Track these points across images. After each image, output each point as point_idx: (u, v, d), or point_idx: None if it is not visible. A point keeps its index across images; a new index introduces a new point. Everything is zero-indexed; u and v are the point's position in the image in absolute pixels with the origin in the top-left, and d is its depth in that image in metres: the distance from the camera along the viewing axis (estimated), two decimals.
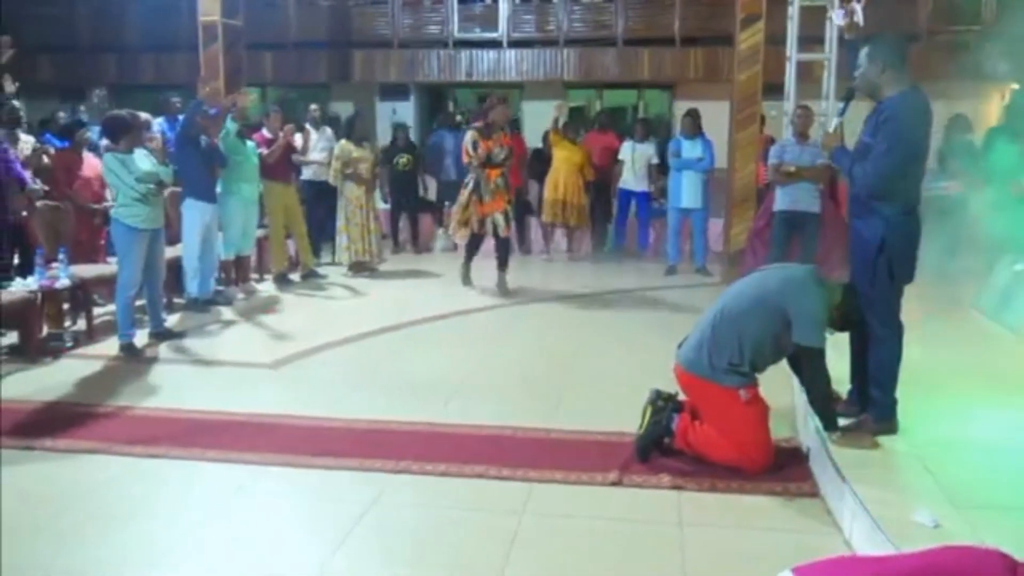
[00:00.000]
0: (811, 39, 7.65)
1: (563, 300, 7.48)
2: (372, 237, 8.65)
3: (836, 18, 3.85)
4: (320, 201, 9.09)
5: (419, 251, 10.31)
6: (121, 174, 5.46)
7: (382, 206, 10.79)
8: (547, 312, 7.08)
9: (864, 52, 3.60)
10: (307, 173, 9.09)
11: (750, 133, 7.88)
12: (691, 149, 8.45)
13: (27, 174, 6.28)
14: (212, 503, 3.41)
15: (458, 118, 10.91)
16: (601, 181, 9.69)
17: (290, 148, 8.11)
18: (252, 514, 3.33)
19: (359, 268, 8.63)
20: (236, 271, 7.80)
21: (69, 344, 5.81)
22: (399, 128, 10.54)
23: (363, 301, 7.54)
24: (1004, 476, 3.18)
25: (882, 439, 3.58)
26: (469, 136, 7.52)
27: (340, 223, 8.59)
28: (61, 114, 8.04)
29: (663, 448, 3.81)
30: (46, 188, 6.39)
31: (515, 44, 12.19)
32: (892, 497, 3.05)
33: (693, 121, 8.59)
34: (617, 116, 12.73)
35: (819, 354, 3.52)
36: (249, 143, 7.50)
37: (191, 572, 2.88)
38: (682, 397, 3.85)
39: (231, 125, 7.27)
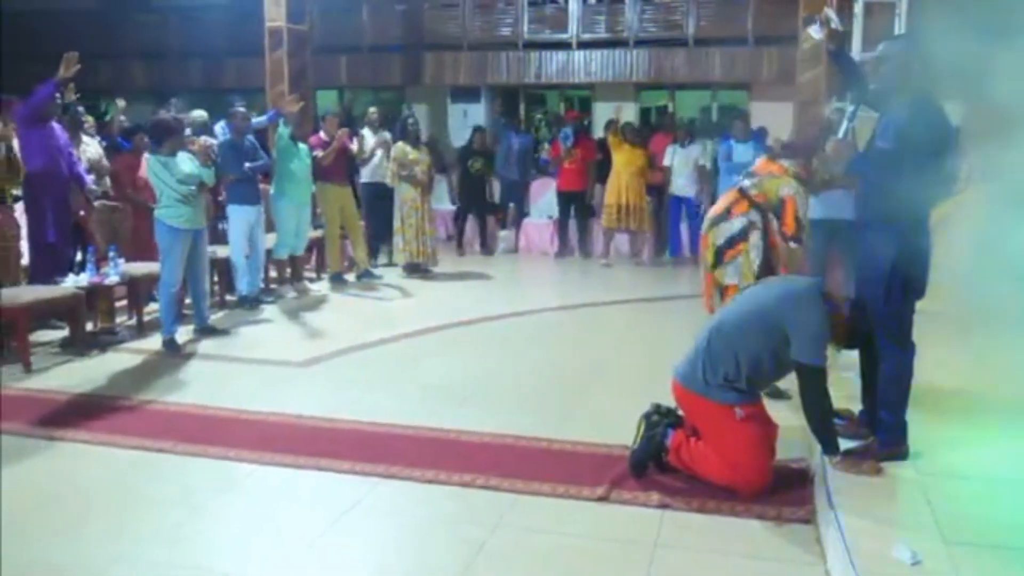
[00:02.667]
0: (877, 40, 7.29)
1: (607, 305, 7.36)
2: (427, 239, 8.71)
3: (814, 32, 3.62)
4: (379, 203, 9.23)
5: (487, 253, 10.35)
6: (163, 176, 5.65)
7: (449, 207, 10.94)
8: (588, 318, 6.98)
9: (885, 55, 3.40)
10: (365, 175, 9.24)
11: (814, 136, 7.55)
12: (743, 152, 8.18)
13: (88, 175, 6.57)
14: (198, 498, 3.48)
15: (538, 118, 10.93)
16: (664, 184, 9.51)
17: (345, 151, 8.26)
18: (230, 511, 3.38)
19: (413, 269, 8.72)
20: (290, 270, 8.00)
21: (119, 339, 6.07)
22: (477, 131, 10.59)
23: (409, 302, 7.61)
24: (1005, 513, 2.92)
25: (888, 465, 3.36)
26: None
27: (396, 224, 8.69)
28: (123, 117, 8.39)
29: (661, 464, 3.68)
30: (103, 189, 6.68)
31: (584, 45, 12.09)
32: (878, 528, 2.85)
33: (744, 124, 8.31)
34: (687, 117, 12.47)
35: (817, 373, 3.33)
36: (302, 146, 7.68)
37: (166, 562, 2.94)
38: (682, 412, 3.71)
39: (284, 129, 7.46)
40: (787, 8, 10.59)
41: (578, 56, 12.14)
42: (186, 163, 5.85)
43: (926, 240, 3.32)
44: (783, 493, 3.46)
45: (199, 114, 8.13)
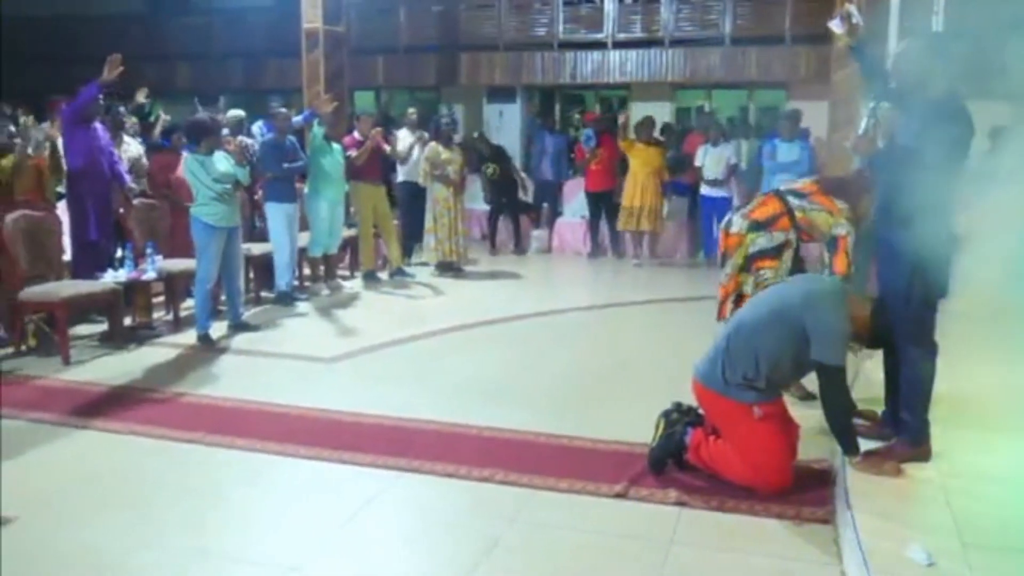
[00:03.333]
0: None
1: (636, 305, 7.34)
2: (459, 238, 8.78)
3: (835, 26, 3.56)
4: (414, 202, 9.31)
5: (520, 252, 10.39)
6: (199, 174, 5.78)
7: (484, 207, 11.00)
8: (616, 317, 6.98)
9: (907, 51, 3.37)
10: (401, 175, 9.32)
11: (845, 135, 7.47)
12: (788, 152, 8.10)
13: (128, 174, 6.74)
14: (224, 487, 3.56)
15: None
16: (696, 184, 9.45)
17: (379, 150, 8.35)
18: (255, 501, 3.45)
19: (446, 268, 8.78)
20: (323, 268, 8.12)
21: (156, 333, 6.22)
22: (479, 139, 10.73)
23: (439, 301, 7.67)
24: None
25: (910, 466, 3.32)
26: None
27: (428, 224, 8.77)
28: (165, 116, 8.58)
29: (681, 463, 3.68)
30: (142, 188, 6.84)
31: (620, 45, 12.06)
32: (894, 529, 2.82)
33: (792, 123, 8.22)
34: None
35: (837, 373, 3.30)
36: (335, 145, 7.78)
37: (191, 549, 3.03)
38: (702, 411, 3.70)
39: (318, 129, 7.57)
40: (823, 6, 10.45)
41: (613, 56, 12.12)
42: (222, 162, 5.97)
43: (949, 240, 3.27)
44: (803, 493, 3.43)
45: (236, 113, 8.28)
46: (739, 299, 4.49)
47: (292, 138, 7.37)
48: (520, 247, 10.55)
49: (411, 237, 9.32)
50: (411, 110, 9.54)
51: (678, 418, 3.67)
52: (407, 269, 8.74)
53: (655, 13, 11.93)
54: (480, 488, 3.58)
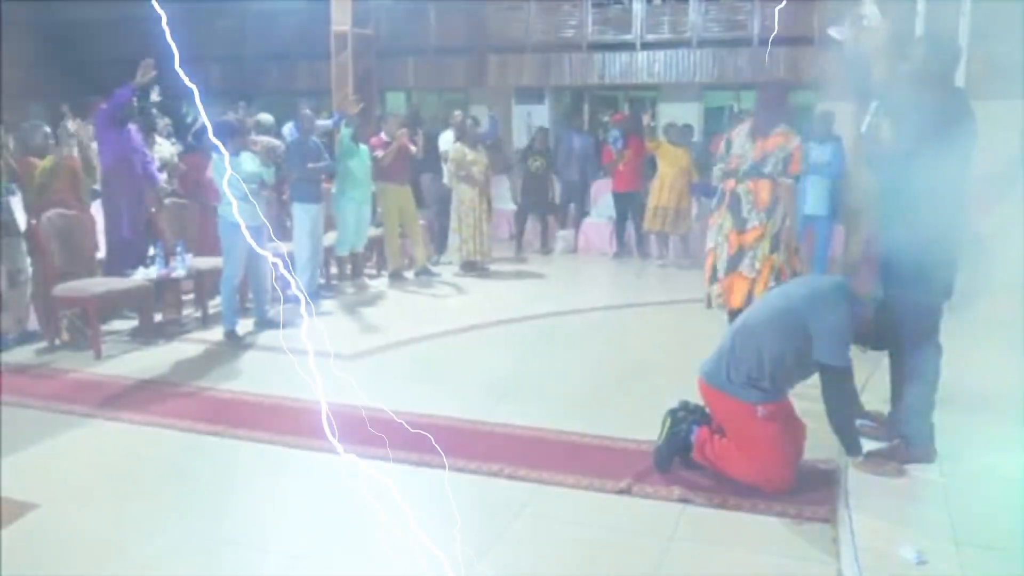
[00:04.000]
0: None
1: (657, 306, 7.36)
2: (484, 238, 8.87)
3: (837, 33, 3.55)
4: (440, 202, 9.44)
5: (547, 252, 10.47)
6: (226, 174, 5.93)
7: (512, 207, 11.09)
8: (636, 317, 7.01)
9: (914, 51, 3.39)
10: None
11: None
12: (820, 154, 8.05)
13: (160, 174, 6.93)
14: (242, 477, 3.69)
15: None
16: None
17: (405, 151, 8.47)
18: (270, 490, 3.57)
19: (470, 267, 8.88)
20: (350, 267, 8.26)
21: (185, 329, 6.39)
22: (540, 131, 10.76)
23: (462, 300, 7.77)
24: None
25: (913, 467, 3.35)
26: None
27: (453, 224, 8.88)
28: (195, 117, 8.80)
29: (688, 461, 3.73)
30: (173, 187, 7.03)
31: (648, 46, 12.07)
32: (889, 528, 2.86)
33: (825, 125, 8.18)
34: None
35: (840, 373, 3.33)
36: (362, 146, 7.91)
37: (209, 536, 3.15)
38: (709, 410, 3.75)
39: (345, 130, 7.72)
40: (853, 7, 10.40)
41: (641, 57, 12.13)
42: (249, 162, 6.13)
43: (953, 242, 3.28)
44: (807, 492, 3.47)
45: (266, 117, 8.45)
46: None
47: (316, 139, 7.51)
48: (546, 247, 10.62)
49: (437, 237, 9.47)
50: (457, 112, 9.55)
51: (684, 416, 3.72)
52: (432, 268, 8.85)
53: (683, 14, 11.92)
54: (489, 482, 3.67)
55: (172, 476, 3.74)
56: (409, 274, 8.71)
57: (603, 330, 6.64)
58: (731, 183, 4.90)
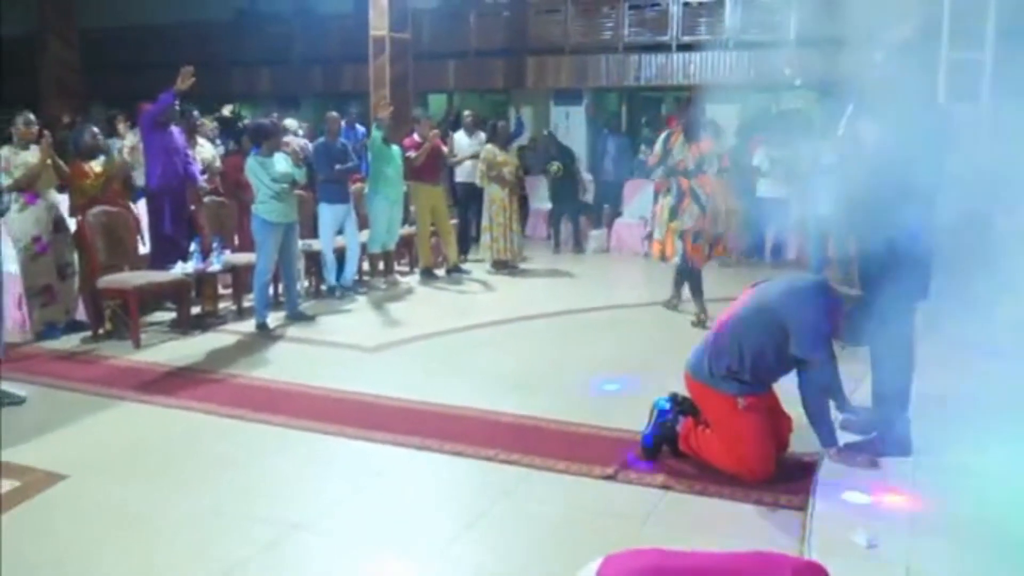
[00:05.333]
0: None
1: (681, 304, 7.47)
2: (514, 236, 9.09)
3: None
4: (470, 202, 9.70)
5: (578, 251, 10.64)
6: (259, 174, 6.26)
7: (548, 206, 11.29)
8: (657, 315, 7.12)
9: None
10: (460, 176, 9.69)
11: None
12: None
13: (201, 174, 7.30)
14: (249, 457, 3.96)
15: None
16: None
17: (437, 152, 8.73)
18: (273, 470, 3.83)
19: (501, 266, 9.10)
20: (382, 264, 8.55)
21: (221, 321, 6.73)
22: (548, 137, 11.02)
23: (489, 296, 8.00)
24: (987, 509, 2.97)
25: (889, 460, 3.45)
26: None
27: (484, 223, 9.12)
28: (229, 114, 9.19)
29: (677, 451, 3.88)
30: (213, 186, 7.40)
31: (684, 48, 12.14)
32: (850, 515, 2.99)
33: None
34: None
35: (816, 367, 3.46)
36: (394, 147, 8.20)
37: (234, 513, 3.43)
38: None
39: (377, 133, 8.01)
40: (889, 5, 10.33)
41: (678, 58, 12.20)
42: (281, 163, 6.44)
43: (926, 242, 3.38)
44: (786, 482, 3.59)
45: (290, 121, 8.80)
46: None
47: (343, 141, 7.81)
48: (579, 247, 10.79)
49: (467, 236, 9.72)
50: (467, 113, 9.84)
51: (671, 407, 3.88)
52: (463, 266, 9.09)
53: (720, 16, 11.96)
54: (483, 465, 3.88)
55: (192, 454, 4.03)
56: (441, 272, 8.96)
57: (620, 326, 6.78)
58: (685, 181, 6.41)
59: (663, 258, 6.77)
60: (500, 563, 3.03)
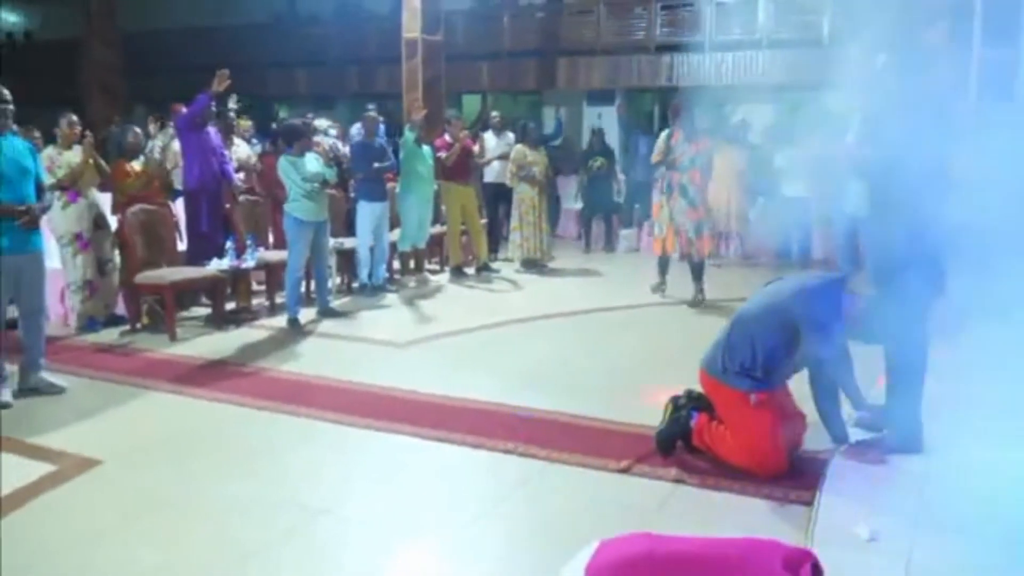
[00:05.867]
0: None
1: (699, 305, 7.51)
2: (543, 236, 9.19)
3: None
4: (500, 201, 9.81)
5: (609, 250, 10.71)
6: (291, 174, 6.43)
7: (579, 206, 11.37)
8: (681, 315, 7.17)
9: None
10: (488, 176, 9.80)
11: None
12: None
13: (237, 174, 7.50)
14: (275, 447, 4.11)
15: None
16: None
17: (467, 152, 8.86)
18: (299, 460, 3.97)
19: (529, 265, 9.20)
20: (413, 262, 8.70)
21: (254, 317, 6.92)
22: (597, 132, 11.07)
23: (517, 294, 8.10)
24: (993, 506, 3.00)
25: (898, 457, 3.48)
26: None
27: (514, 222, 9.23)
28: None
29: (691, 446, 3.94)
30: (248, 185, 7.60)
31: (716, 48, 12.13)
32: (854, 509, 3.04)
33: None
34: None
35: (828, 364, 3.50)
36: (425, 148, 8.34)
37: (262, 498, 3.57)
38: None
39: (409, 134, 8.16)
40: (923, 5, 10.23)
41: (711, 59, 12.19)
42: (312, 163, 6.61)
43: (939, 238, 3.41)
44: (797, 478, 3.63)
45: (321, 122, 8.98)
46: None
47: (381, 140, 7.97)
48: (610, 245, 10.85)
49: (496, 235, 9.84)
50: (494, 114, 9.95)
51: (685, 403, 3.94)
52: (492, 265, 9.20)
53: (753, 16, 11.93)
54: (502, 458, 3.97)
55: (220, 443, 4.19)
56: (470, 270, 9.08)
57: (644, 324, 6.84)
58: (676, 175, 7.02)
59: (664, 253, 7.39)
60: (513, 549, 3.13)
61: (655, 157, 7.27)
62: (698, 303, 7.14)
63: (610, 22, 12.91)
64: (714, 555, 2.04)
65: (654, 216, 7.50)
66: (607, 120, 13.28)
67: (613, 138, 12.90)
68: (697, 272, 7.29)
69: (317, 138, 7.58)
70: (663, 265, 7.57)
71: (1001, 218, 3.98)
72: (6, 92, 4.68)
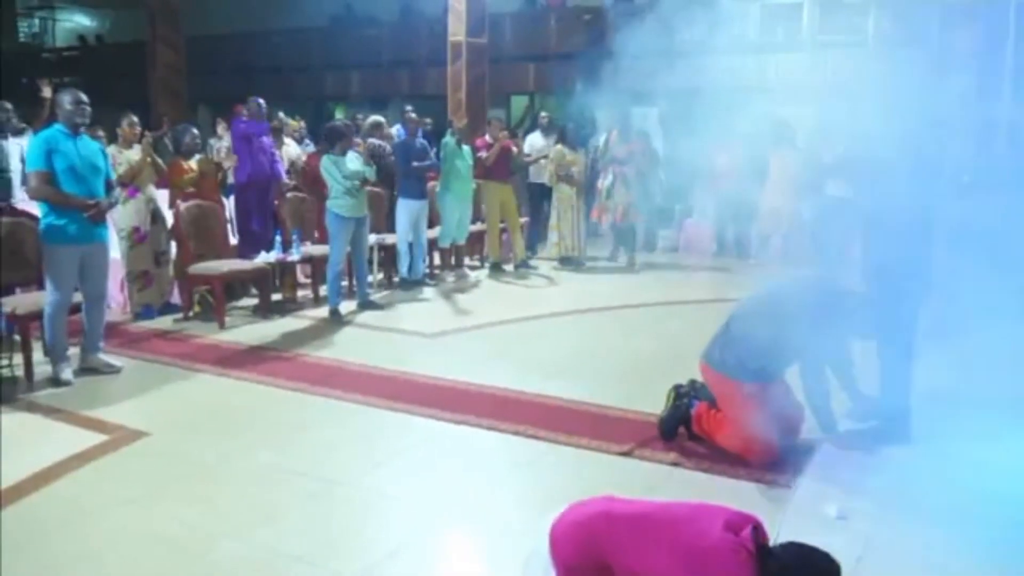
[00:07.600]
0: None
1: (725, 303, 7.64)
2: (580, 234, 9.42)
3: None
4: (543, 200, 10.08)
5: (649, 250, 10.87)
6: (332, 172, 6.79)
7: None
8: (708, 312, 7.29)
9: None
10: (533, 176, 10.08)
11: None
12: None
13: (286, 172, 7.92)
14: (303, 424, 4.44)
15: None
16: None
17: (507, 152, 9.14)
18: (324, 437, 4.29)
19: (567, 262, 9.44)
20: (452, 258, 9.02)
21: (298, 307, 7.31)
22: (639, 134, 11.23)
23: (552, 290, 8.35)
24: (965, 497, 3.15)
25: (887, 446, 3.65)
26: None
27: (552, 221, 9.49)
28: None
29: (693, 433, 4.16)
30: (294, 183, 8.00)
31: (759, 49, 12.16)
32: (829, 491, 3.23)
33: None
34: None
35: (818, 358, 3.68)
36: (465, 148, 8.64)
37: (292, 470, 3.91)
38: None
39: (449, 139, 8.49)
40: (969, 7, 10.16)
41: (753, 60, 12.22)
42: (353, 161, 6.96)
43: (927, 237, 3.57)
44: (790, 464, 3.82)
45: (373, 119, 9.34)
46: None
47: (423, 140, 8.30)
48: (649, 245, 11.01)
49: (536, 233, 10.11)
50: (543, 114, 10.23)
51: (687, 392, 4.16)
52: (531, 262, 9.47)
53: (797, 17, 11.95)
54: (511, 439, 4.24)
55: (258, 420, 4.55)
56: (509, 266, 9.37)
57: (670, 320, 7.01)
58: (618, 168, 9.10)
59: (599, 221, 9.79)
60: (515, 520, 3.38)
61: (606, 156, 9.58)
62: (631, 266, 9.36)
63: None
64: (664, 513, 2.28)
65: (598, 194, 9.63)
66: (652, 121, 13.41)
67: (660, 138, 13.07)
68: (628, 241, 9.56)
69: (369, 138, 7.95)
70: (618, 240, 9.83)
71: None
72: (83, 96, 5.10)
